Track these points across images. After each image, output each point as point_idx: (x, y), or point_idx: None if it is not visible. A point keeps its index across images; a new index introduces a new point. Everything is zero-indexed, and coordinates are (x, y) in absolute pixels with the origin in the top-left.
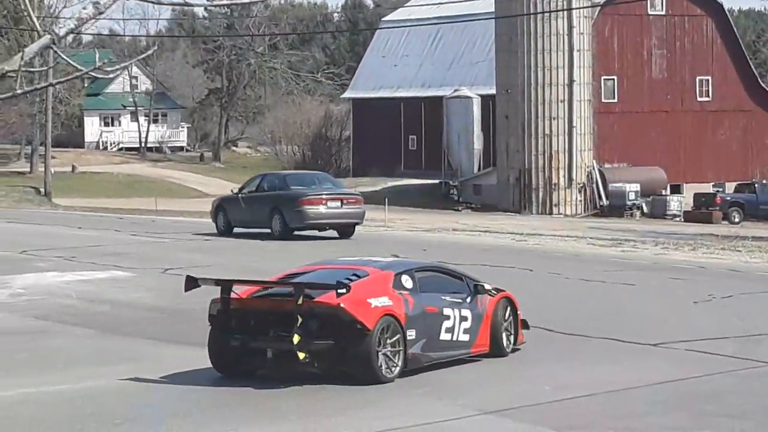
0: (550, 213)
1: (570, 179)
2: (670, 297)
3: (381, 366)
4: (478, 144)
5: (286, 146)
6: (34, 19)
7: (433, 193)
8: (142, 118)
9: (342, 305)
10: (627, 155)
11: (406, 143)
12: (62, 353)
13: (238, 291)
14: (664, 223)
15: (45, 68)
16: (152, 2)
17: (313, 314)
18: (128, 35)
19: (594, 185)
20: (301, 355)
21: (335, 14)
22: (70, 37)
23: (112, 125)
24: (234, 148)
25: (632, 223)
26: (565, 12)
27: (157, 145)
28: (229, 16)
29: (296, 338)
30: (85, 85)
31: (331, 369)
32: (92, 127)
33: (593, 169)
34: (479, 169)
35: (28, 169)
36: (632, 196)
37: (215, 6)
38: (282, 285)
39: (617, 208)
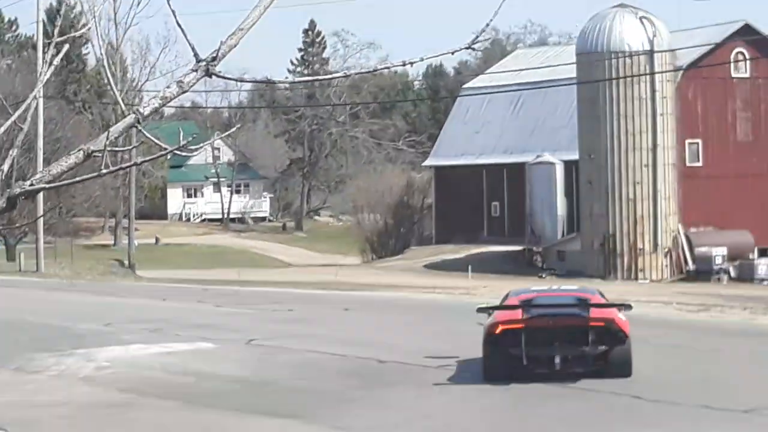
0: (636, 278)
1: (655, 244)
2: (760, 363)
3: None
4: (561, 210)
5: (368, 214)
6: (119, 98)
7: (517, 260)
8: (224, 189)
9: (614, 320)
10: (713, 219)
11: (489, 210)
12: (147, 426)
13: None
14: (753, 287)
15: (129, 148)
16: (235, 80)
17: (596, 327)
18: (210, 107)
19: (680, 250)
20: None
21: (416, 82)
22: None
23: (195, 196)
24: (316, 217)
25: (720, 288)
26: (648, 76)
27: (240, 215)
28: (310, 86)
29: (592, 350)
30: (168, 157)
31: (597, 368)
32: (175, 199)
33: (679, 233)
34: (563, 235)
35: (112, 242)
36: (719, 260)
37: (297, 83)
38: (560, 307)
39: (704, 272)
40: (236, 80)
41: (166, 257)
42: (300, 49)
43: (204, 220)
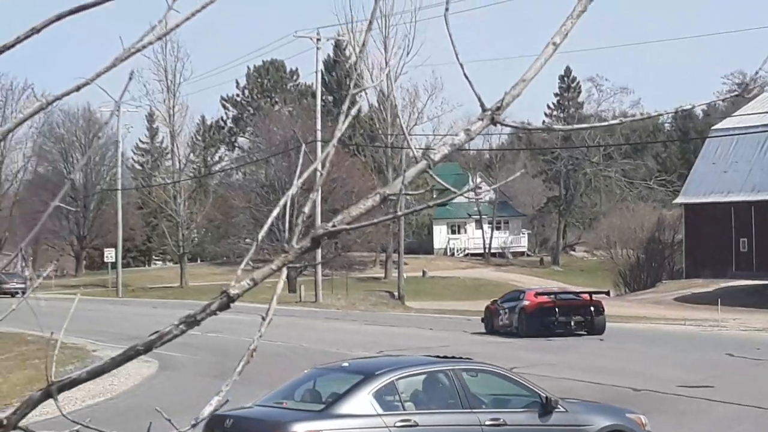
0: None
1: None
2: None
3: None
4: None
5: (621, 250)
6: (412, 147)
7: (765, 294)
8: (485, 226)
9: (600, 301)
10: None
11: (738, 245)
12: None
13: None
14: None
15: (421, 192)
16: (519, 128)
17: (590, 305)
18: (473, 149)
19: None
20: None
21: (666, 124)
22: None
23: (459, 233)
24: (571, 252)
25: None
26: None
27: (500, 250)
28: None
29: (590, 319)
30: (434, 196)
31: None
32: (440, 235)
33: None
34: None
35: (383, 275)
36: None
37: (577, 129)
38: (568, 295)
39: None
40: (521, 128)
41: (433, 289)
42: (556, 94)
43: (467, 254)
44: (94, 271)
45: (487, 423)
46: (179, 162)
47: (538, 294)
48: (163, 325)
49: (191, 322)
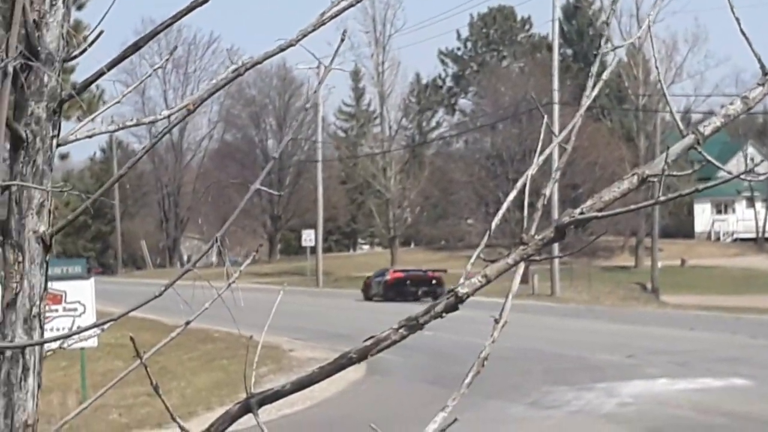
0: None
1: None
2: None
3: None
4: None
5: None
6: (674, 113)
7: None
8: (758, 204)
9: (441, 276)
10: None
11: None
12: None
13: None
14: None
15: (688, 172)
16: None
17: (433, 279)
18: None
19: None
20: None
21: None
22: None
23: (726, 213)
24: None
25: None
26: None
27: None
28: None
29: (433, 288)
30: (695, 168)
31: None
32: (703, 215)
33: None
34: None
35: (633, 263)
36: None
37: None
38: (418, 272)
39: None
40: None
41: (693, 281)
42: None
43: (735, 239)
44: (290, 256)
45: None
46: (389, 128)
47: (396, 270)
48: (371, 322)
49: (413, 325)
